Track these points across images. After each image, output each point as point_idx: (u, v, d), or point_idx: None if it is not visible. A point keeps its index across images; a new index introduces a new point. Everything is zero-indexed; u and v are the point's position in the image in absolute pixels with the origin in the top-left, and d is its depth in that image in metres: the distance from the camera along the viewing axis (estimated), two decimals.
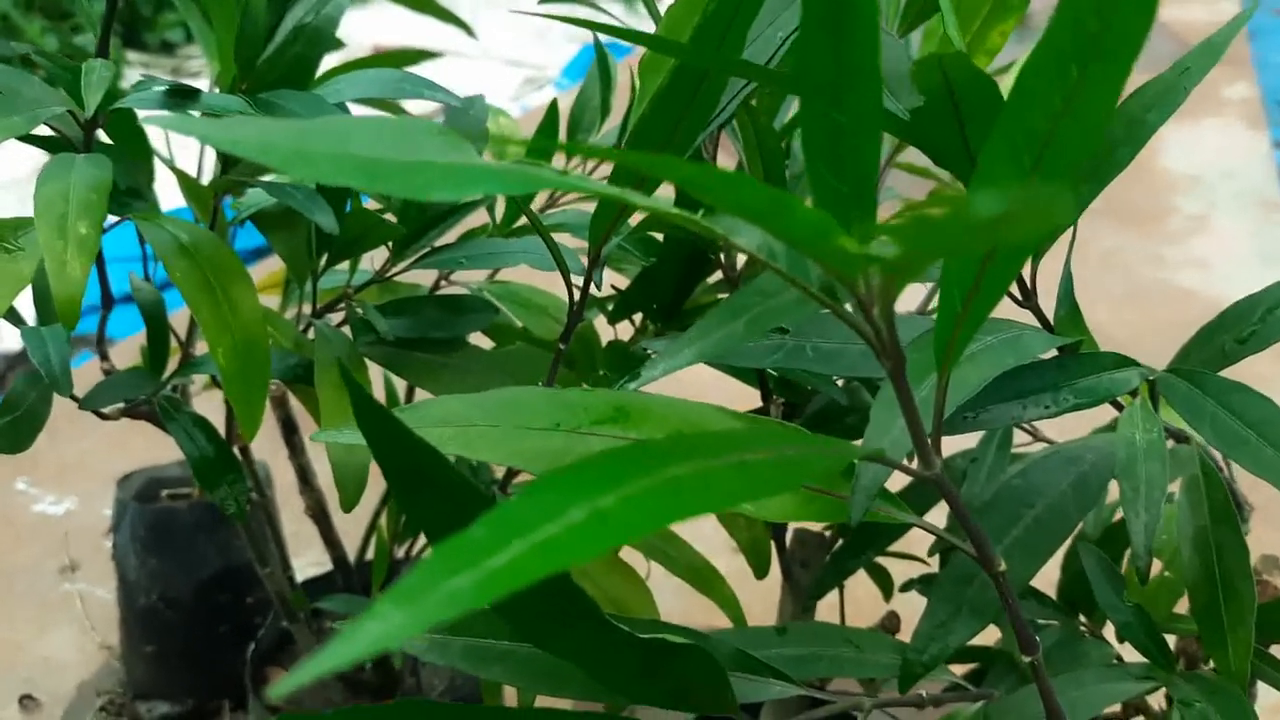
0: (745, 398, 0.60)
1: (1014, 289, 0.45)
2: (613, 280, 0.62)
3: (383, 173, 0.27)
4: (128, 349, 1.06)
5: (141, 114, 0.51)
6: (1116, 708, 0.58)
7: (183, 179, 0.65)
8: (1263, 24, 3.18)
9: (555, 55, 2.90)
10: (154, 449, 0.86)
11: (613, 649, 0.34)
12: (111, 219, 0.53)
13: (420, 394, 0.64)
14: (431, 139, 0.29)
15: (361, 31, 2.70)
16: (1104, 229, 1.87)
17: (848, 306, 0.31)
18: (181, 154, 0.79)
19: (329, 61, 0.71)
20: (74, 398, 0.52)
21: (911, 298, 0.64)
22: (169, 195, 0.70)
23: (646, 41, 0.35)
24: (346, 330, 0.56)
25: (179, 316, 0.58)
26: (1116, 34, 0.26)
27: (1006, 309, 0.47)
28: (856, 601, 0.74)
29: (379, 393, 0.73)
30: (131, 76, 2.64)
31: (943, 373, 0.33)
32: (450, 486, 0.31)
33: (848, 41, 0.28)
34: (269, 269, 0.75)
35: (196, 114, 0.49)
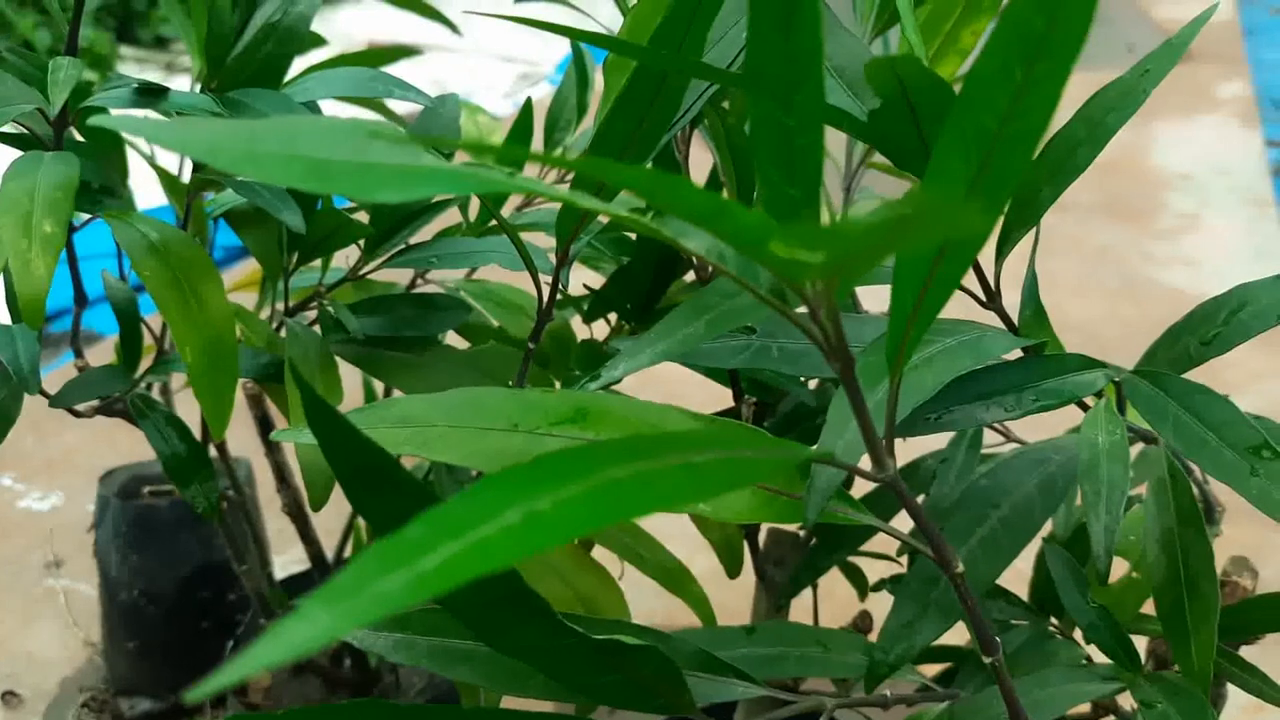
0: (721, 398, 0.60)
1: (979, 290, 0.46)
2: (588, 280, 0.62)
3: (331, 174, 0.27)
4: (108, 347, 1.05)
5: (108, 114, 0.51)
6: (1085, 707, 0.59)
7: (163, 175, 0.65)
8: (1258, 22, 3.18)
9: (549, 51, 2.90)
10: (141, 444, 0.86)
11: (565, 649, 0.34)
12: (86, 216, 0.53)
13: (397, 393, 0.64)
14: (380, 140, 0.29)
15: (356, 27, 2.70)
16: (1096, 226, 1.88)
17: (799, 309, 0.31)
18: (164, 150, 0.79)
19: (318, 57, 0.71)
20: (44, 395, 0.52)
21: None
22: (155, 192, 0.70)
23: (607, 43, 0.35)
24: (319, 329, 0.56)
25: (156, 314, 0.58)
26: (1061, 33, 0.27)
27: (972, 310, 0.47)
28: (834, 601, 0.74)
29: (355, 391, 0.73)
30: (125, 71, 2.64)
31: (895, 375, 0.33)
32: (401, 487, 0.31)
33: (793, 45, 0.28)
34: (252, 267, 0.75)
35: (170, 113, 0.49)
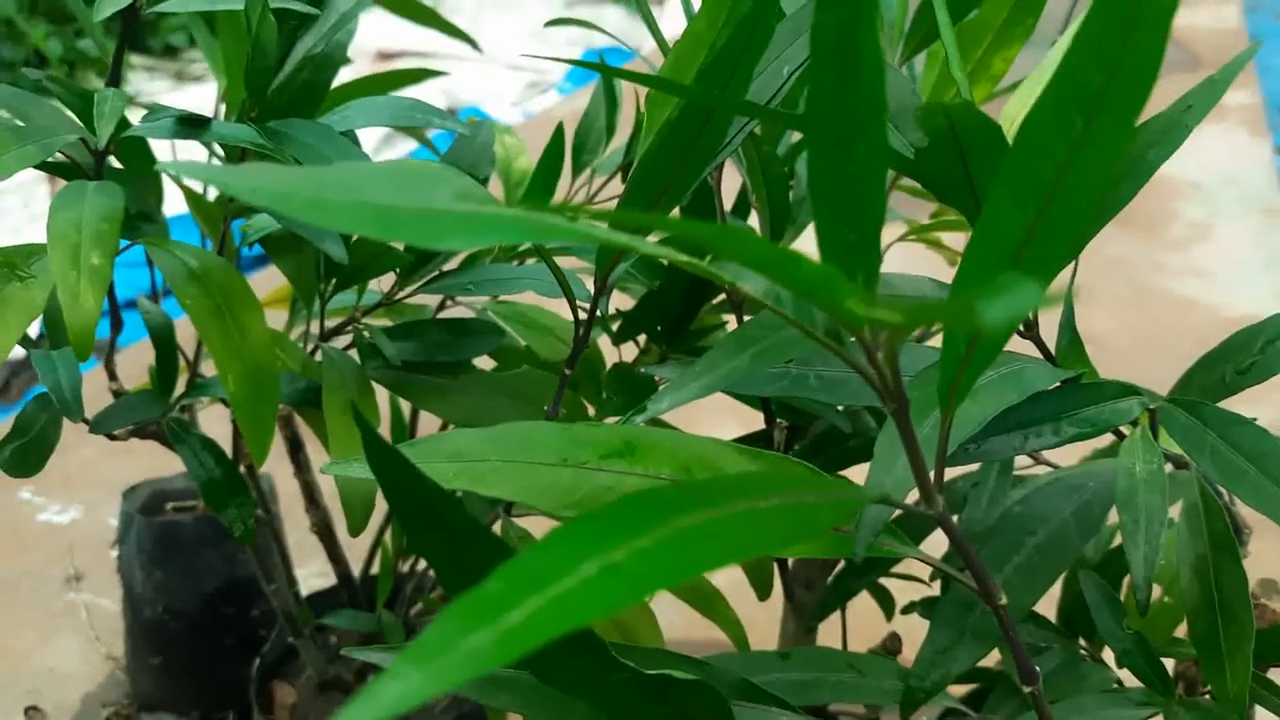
0: (752, 413, 0.60)
1: None
2: (618, 300, 0.63)
3: (396, 222, 0.27)
4: (134, 356, 1.06)
5: (147, 144, 0.52)
6: None
7: (192, 199, 0.66)
8: (1265, 29, 3.18)
9: None
10: (159, 457, 0.87)
11: (616, 683, 0.34)
12: (124, 243, 0.54)
13: (426, 415, 0.64)
14: (444, 185, 0.29)
15: (365, 36, 2.71)
16: (1107, 236, 1.87)
17: (854, 349, 0.31)
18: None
19: (342, 76, 0.71)
20: (85, 421, 0.53)
21: None
22: (173, 200, 0.70)
23: (654, 83, 0.36)
24: (353, 353, 0.56)
25: (184, 324, 0.58)
26: (1120, 88, 0.27)
27: (1010, 339, 0.47)
28: (859, 618, 0.75)
29: (386, 412, 0.73)
30: (135, 80, 2.64)
31: (946, 414, 0.33)
32: (460, 527, 0.31)
33: (854, 91, 0.28)
34: (275, 279, 0.75)
35: (212, 145, 0.50)
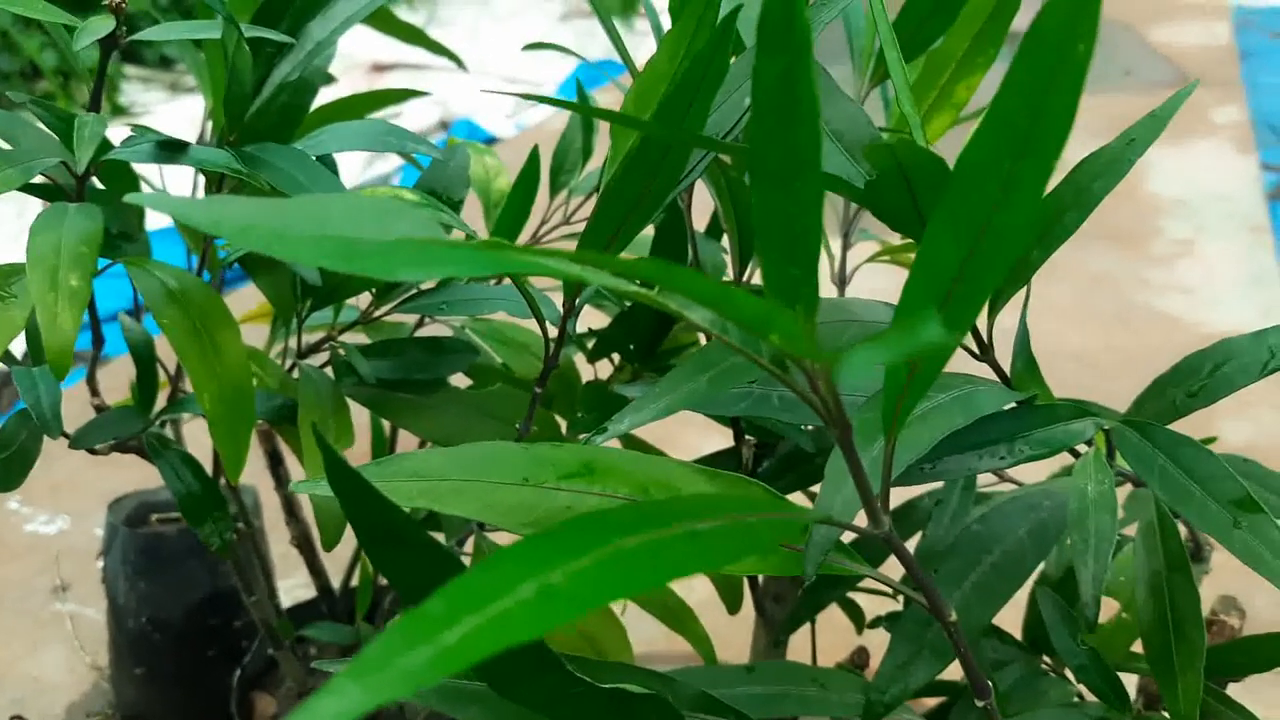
0: (722, 430, 0.61)
1: (971, 343, 0.47)
2: (591, 317, 0.64)
3: (358, 254, 0.28)
4: (118, 369, 1.06)
5: (131, 168, 0.53)
6: None
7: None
8: (1254, 45, 3.20)
9: (551, 71, 2.93)
10: (146, 469, 0.88)
11: (574, 698, 0.36)
12: (105, 262, 0.55)
13: (404, 432, 0.65)
14: (406, 217, 0.30)
15: (358, 48, 2.72)
16: (1092, 252, 1.89)
17: (798, 376, 0.33)
18: (174, 183, 0.81)
19: (327, 95, 0.72)
20: (66, 435, 0.54)
21: None
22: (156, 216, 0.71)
23: (613, 118, 0.37)
24: (330, 371, 0.57)
25: (165, 339, 0.59)
26: (1044, 131, 0.28)
27: (966, 363, 0.48)
28: (831, 633, 0.76)
29: (365, 430, 0.74)
30: (130, 91, 2.66)
31: (890, 437, 0.34)
32: (419, 546, 0.32)
33: (794, 136, 0.29)
34: (259, 295, 0.76)
35: (193, 168, 0.51)
